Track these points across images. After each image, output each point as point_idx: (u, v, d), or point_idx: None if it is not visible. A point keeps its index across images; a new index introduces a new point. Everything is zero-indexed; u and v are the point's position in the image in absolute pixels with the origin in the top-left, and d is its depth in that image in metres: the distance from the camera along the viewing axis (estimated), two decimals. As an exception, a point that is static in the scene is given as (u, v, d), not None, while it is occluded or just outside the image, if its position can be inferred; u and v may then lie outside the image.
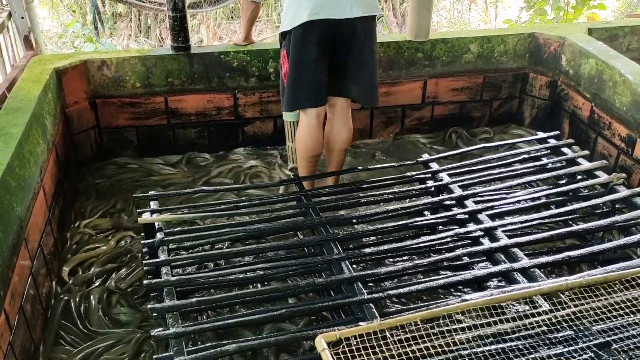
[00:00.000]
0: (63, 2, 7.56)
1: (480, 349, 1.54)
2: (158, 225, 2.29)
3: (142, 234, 2.30)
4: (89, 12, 7.03)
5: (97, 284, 2.30)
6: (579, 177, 2.61)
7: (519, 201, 2.48)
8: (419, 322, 1.53)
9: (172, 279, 1.98)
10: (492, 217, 2.35)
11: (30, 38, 3.22)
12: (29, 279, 2.00)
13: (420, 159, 2.82)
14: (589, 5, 4.86)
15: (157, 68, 3.05)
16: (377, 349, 1.44)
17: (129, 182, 2.99)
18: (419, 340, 1.49)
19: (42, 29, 5.71)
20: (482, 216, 2.33)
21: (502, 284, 2.13)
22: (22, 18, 3.15)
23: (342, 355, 1.41)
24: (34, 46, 3.24)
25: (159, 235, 2.21)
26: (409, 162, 2.86)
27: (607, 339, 1.57)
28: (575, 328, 1.61)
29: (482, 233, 2.24)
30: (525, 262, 2.03)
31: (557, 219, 2.44)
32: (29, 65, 2.82)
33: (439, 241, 2.28)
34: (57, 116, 2.73)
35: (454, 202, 2.47)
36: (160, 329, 1.79)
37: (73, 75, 2.89)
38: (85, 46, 5.47)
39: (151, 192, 2.52)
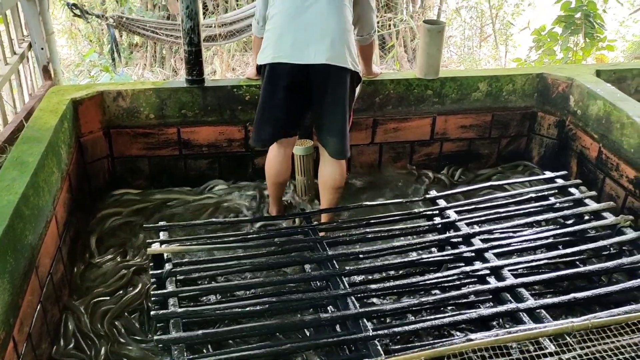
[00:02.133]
0: (81, 32, 7.75)
1: (485, 391, 1.53)
2: (167, 255, 2.32)
3: (151, 264, 2.32)
4: (107, 42, 7.19)
5: (106, 312, 2.32)
6: (586, 217, 2.62)
7: (526, 240, 2.49)
8: (423, 362, 1.54)
9: (179, 310, 2.00)
10: (499, 256, 2.36)
11: (49, 68, 3.31)
12: (38, 308, 2.02)
13: (427, 196, 2.84)
14: (598, 47, 4.93)
15: (171, 100, 3.11)
16: (380, 388, 1.44)
17: (140, 211, 3.02)
18: (423, 380, 1.49)
19: (60, 56, 5.84)
20: (488, 255, 2.34)
21: (508, 324, 2.12)
22: (42, 49, 3.25)
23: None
24: (52, 76, 3.33)
25: (167, 267, 2.24)
26: (416, 199, 2.88)
27: (613, 383, 1.57)
28: (580, 372, 1.61)
29: (488, 272, 2.25)
30: (531, 302, 2.03)
31: (564, 259, 2.44)
32: (47, 95, 2.90)
33: (445, 279, 2.29)
34: (72, 145, 2.78)
35: (460, 239, 2.48)
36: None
37: (89, 105, 2.96)
38: (102, 75, 5.58)
39: (161, 223, 2.56)
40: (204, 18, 6.82)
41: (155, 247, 2.34)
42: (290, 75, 2.50)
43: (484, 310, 2.06)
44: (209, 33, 4.44)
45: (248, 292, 2.35)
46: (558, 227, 2.62)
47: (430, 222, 2.66)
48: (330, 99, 2.54)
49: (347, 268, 2.27)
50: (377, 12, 2.73)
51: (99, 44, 7.61)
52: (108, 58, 6.38)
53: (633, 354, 1.64)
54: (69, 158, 2.70)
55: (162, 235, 2.45)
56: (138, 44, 7.77)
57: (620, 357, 1.64)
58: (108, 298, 2.41)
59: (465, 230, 2.51)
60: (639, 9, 7.39)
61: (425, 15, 8.05)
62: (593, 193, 2.75)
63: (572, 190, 2.78)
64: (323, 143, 2.67)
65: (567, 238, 2.54)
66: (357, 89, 2.73)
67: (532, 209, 2.73)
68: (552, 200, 2.78)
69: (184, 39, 3.04)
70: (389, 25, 7.37)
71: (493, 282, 2.19)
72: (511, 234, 2.55)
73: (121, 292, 2.46)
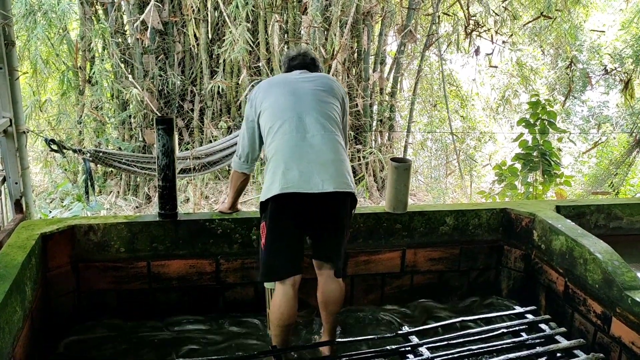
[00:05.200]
0: (56, 161, 7.85)
1: None
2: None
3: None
4: (82, 171, 7.28)
5: None
6: (558, 354, 2.61)
7: (500, 379, 2.45)
8: None
9: None
10: (474, 397, 2.31)
11: (22, 202, 3.32)
12: None
13: (400, 332, 2.82)
14: (556, 182, 5.19)
15: (143, 234, 3.12)
16: None
17: (107, 349, 2.90)
18: None
19: (33, 183, 5.88)
20: (463, 396, 2.28)
21: None
22: (16, 183, 3.28)
23: None
24: (23, 210, 3.33)
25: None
26: (388, 335, 2.85)
27: None
28: None
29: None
30: None
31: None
32: (17, 230, 2.88)
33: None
34: (38, 282, 2.73)
35: (434, 379, 2.43)
36: None
37: (59, 240, 2.94)
38: (74, 205, 5.59)
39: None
40: (180, 149, 7.02)
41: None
42: (299, 205, 2.61)
43: None
44: (184, 166, 4.55)
45: None
46: (531, 364, 2.60)
47: (403, 360, 2.61)
48: (336, 224, 2.70)
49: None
50: (347, 145, 2.91)
51: (73, 173, 7.70)
52: (82, 187, 6.43)
53: None
54: (34, 295, 2.63)
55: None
56: (112, 172, 7.87)
57: None
58: None
59: (438, 369, 2.47)
60: (591, 149, 7.88)
61: (393, 148, 8.42)
62: (563, 329, 2.77)
63: (542, 326, 2.80)
64: (324, 264, 2.76)
65: (541, 376, 2.51)
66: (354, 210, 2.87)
67: (504, 345, 2.71)
68: (524, 336, 2.78)
69: (159, 174, 3.12)
70: (359, 158, 7.68)
71: None
72: (485, 373, 2.51)
73: None
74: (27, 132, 3.44)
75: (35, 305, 2.65)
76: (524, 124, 5.37)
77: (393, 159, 3.41)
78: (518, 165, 5.42)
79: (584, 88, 11.31)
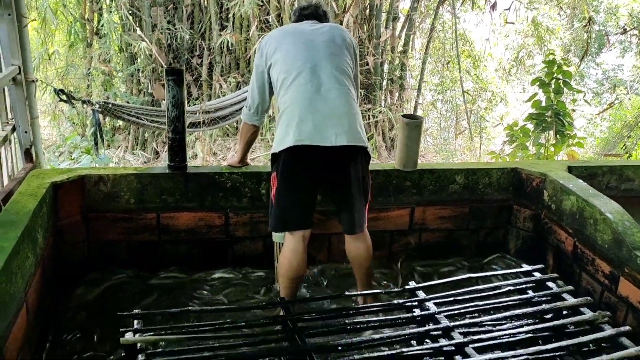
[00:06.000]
0: (64, 114, 7.85)
1: None
2: (140, 345, 2.24)
3: (123, 354, 2.24)
4: (90, 124, 7.28)
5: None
6: (564, 312, 2.62)
7: (506, 335, 2.47)
8: None
9: (150, 406, 1.91)
10: (479, 351, 2.33)
11: (31, 151, 3.32)
12: (0, 401, 1.92)
13: (407, 287, 2.83)
14: (568, 144, 5.13)
15: (152, 185, 3.12)
16: None
17: (116, 298, 2.94)
18: None
19: (42, 137, 5.90)
20: (469, 349, 2.30)
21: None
22: (26, 132, 3.27)
23: None
24: (33, 159, 3.33)
25: (140, 358, 2.16)
26: (396, 289, 2.87)
27: None
28: None
29: (469, 368, 2.21)
30: (513, 401, 1.99)
31: (544, 355, 2.41)
32: (28, 178, 2.89)
33: (426, 374, 2.24)
34: (49, 230, 2.75)
35: (440, 332, 2.45)
36: None
37: (69, 189, 2.95)
38: (83, 157, 5.61)
39: (135, 311, 2.49)
40: (188, 104, 6.98)
41: (129, 337, 2.26)
42: (312, 158, 2.60)
43: (466, 409, 2.01)
44: (193, 120, 4.53)
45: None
46: (537, 321, 2.61)
47: (409, 314, 2.63)
48: (349, 178, 2.68)
49: (326, 362, 2.22)
50: (359, 97, 2.89)
51: (81, 126, 7.70)
52: (90, 140, 6.44)
53: None
54: (45, 243, 2.65)
55: (136, 324, 2.38)
56: (121, 127, 7.87)
57: None
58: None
59: (444, 323, 2.48)
60: (605, 109, 7.78)
61: (403, 107, 8.35)
62: (570, 288, 2.77)
63: (550, 284, 2.80)
64: (342, 222, 2.79)
65: (547, 333, 2.53)
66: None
67: (511, 302, 2.72)
68: (531, 293, 2.79)
69: (169, 126, 3.10)
70: (368, 116, 7.61)
71: (474, 379, 2.15)
72: (491, 328, 2.53)
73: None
74: (36, 82, 3.41)
75: (47, 253, 2.68)
76: (538, 83, 5.28)
77: (404, 116, 3.37)
78: (530, 126, 5.36)
79: (599, 50, 11.11)
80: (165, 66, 6.90)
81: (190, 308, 2.70)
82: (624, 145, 6.75)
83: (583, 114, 9.25)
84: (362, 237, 2.83)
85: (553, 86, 5.18)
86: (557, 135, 5.09)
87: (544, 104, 5.26)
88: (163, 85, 3.32)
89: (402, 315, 2.63)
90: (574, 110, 5.61)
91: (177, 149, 3.13)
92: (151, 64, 7.20)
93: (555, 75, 5.17)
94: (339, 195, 2.76)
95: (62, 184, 2.91)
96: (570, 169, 3.48)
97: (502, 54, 10.44)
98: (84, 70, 7.50)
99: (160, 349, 2.37)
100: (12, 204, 2.56)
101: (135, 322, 2.39)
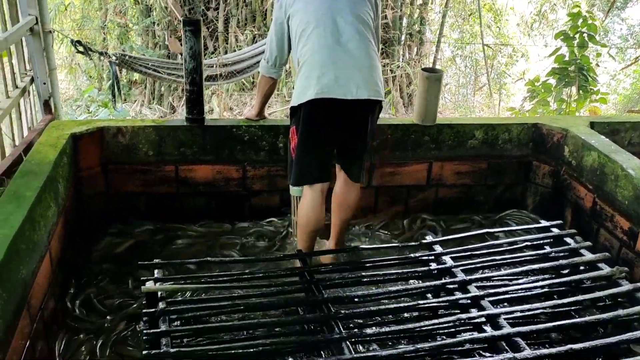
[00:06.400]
0: (81, 68, 7.83)
1: None
2: (160, 294, 2.29)
3: (144, 302, 2.29)
4: (106, 78, 7.26)
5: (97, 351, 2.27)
6: (581, 267, 2.62)
7: (522, 289, 2.48)
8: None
9: (172, 350, 1.97)
10: (495, 304, 2.35)
11: (50, 103, 3.33)
12: (27, 344, 1.98)
13: (424, 241, 2.85)
14: (591, 99, 5.03)
15: (171, 138, 3.13)
16: None
17: (136, 248, 2.99)
18: None
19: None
20: (485, 302, 2.32)
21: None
22: (45, 84, 3.27)
23: None
24: (52, 111, 3.34)
25: (161, 305, 2.21)
26: (412, 244, 2.88)
27: None
28: None
29: (484, 320, 2.23)
30: (527, 352, 2.02)
31: (560, 309, 2.43)
32: (47, 129, 2.91)
33: (441, 326, 2.26)
34: (70, 180, 2.78)
35: (456, 286, 2.47)
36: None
37: (88, 141, 2.97)
38: (100, 111, 5.62)
39: (155, 260, 2.53)
40: (205, 58, 6.92)
41: (150, 285, 2.31)
42: (333, 111, 2.58)
43: (481, 360, 2.04)
44: (210, 73, 4.49)
45: (242, 333, 2.32)
46: (554, 276, 2.62)
47: (426, 268, 2.65)
48: (365, 131, 2.69)
49: (343, 312, 2.25)
50: (379, 50, 2.84)
51: (98, 79, 7.68)
52: (107, 94, 6.44)
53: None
54: (67, 193, 2.69)
55: (157, 273, 2.42)
56: (137, 81, 7.84)
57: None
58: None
59: (461, 276, 2.50)
60: (631, 64, 7.58)
61: (421, 63, 8.20)
62: (588, 243, 2.76)
63: (568, 240, 2.79)
64: (346, 168, 2.78)
65: (563, 288, 2.54)
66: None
67: (527, 257, 2.73)
68: (548, 249, 2.79)
69: (187, 78, 3.08)
70: (386, 71, 7.50)
71: (489, 331, 2.17)
72: (507, 282, 2.54)
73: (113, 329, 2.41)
74: (53, 33, 3.39)
75: (69, 204, 2.71)
76: (562, 37, 5.14)
77: (425, 69, 3.31)
78: (552, 81, 5.25)
79: (624, 4, 10.75)
80: (181, 19, 6.83)
81: (209, 259, 2.74)
82: (648, 102, 6.60)
83: (606, 70, 9.03)
84: (358, 185, 2.83)
85: (577, 40, 5.04)
86: (580, 91, 4.99)
87: (567, 58, 5.13)
88: (179, 38, 3.28)
89: (418, 269, 2.65)
90: (597, 66, 5.46)
91: (195, 102, 3.12)
92: (167, 17, 7.12)
93: (579, 28, 5.03)
94: (352, 146, 2.74)
95: (81, 136, 2.93)
96: (593, 125, 3.42)
97: (525, 8, 10.15)
98: (99, 23, 7.44)
99: (180, 298, 2.43)
100: (33, 154, 2.59)
101: (156, 271, 2.44)
